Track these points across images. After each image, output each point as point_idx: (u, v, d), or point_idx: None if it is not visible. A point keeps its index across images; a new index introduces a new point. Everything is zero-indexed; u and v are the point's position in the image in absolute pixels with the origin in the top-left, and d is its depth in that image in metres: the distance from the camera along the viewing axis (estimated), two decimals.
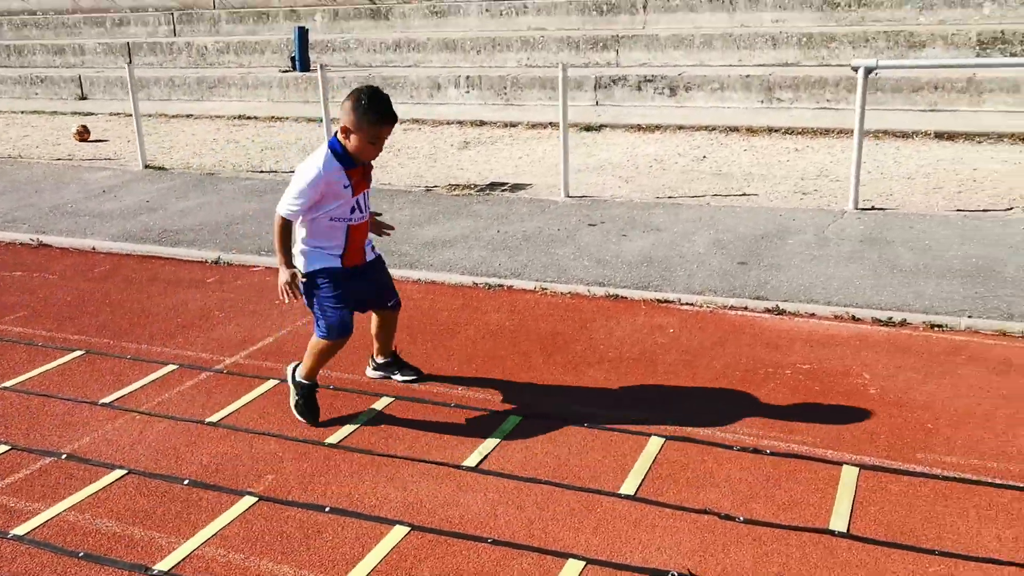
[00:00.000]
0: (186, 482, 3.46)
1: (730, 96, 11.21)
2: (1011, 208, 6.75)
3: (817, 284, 5.28)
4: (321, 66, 9.08)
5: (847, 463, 3.43)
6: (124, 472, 3.54)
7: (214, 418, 3.97)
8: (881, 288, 5.16)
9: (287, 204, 3.59)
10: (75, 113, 13.16)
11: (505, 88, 12.21)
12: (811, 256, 5.76)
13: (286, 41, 14.36)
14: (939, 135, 9.44)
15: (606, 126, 10.78)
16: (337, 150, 3.58)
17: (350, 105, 3.51)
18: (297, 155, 9.42)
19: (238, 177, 8.74)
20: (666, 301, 5.18)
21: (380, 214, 4.11)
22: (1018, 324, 4.61)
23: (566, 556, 2.93)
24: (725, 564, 2.88)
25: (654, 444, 3.62)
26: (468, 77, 12.42)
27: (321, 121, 9.56)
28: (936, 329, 4.68)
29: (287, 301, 3.67)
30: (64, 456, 3.67)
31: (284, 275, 3.63)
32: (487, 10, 14.38)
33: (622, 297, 5.27)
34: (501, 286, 5.54)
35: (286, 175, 8.87)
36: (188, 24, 16.32)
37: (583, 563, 2.90)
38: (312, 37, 14.67)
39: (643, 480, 3.37)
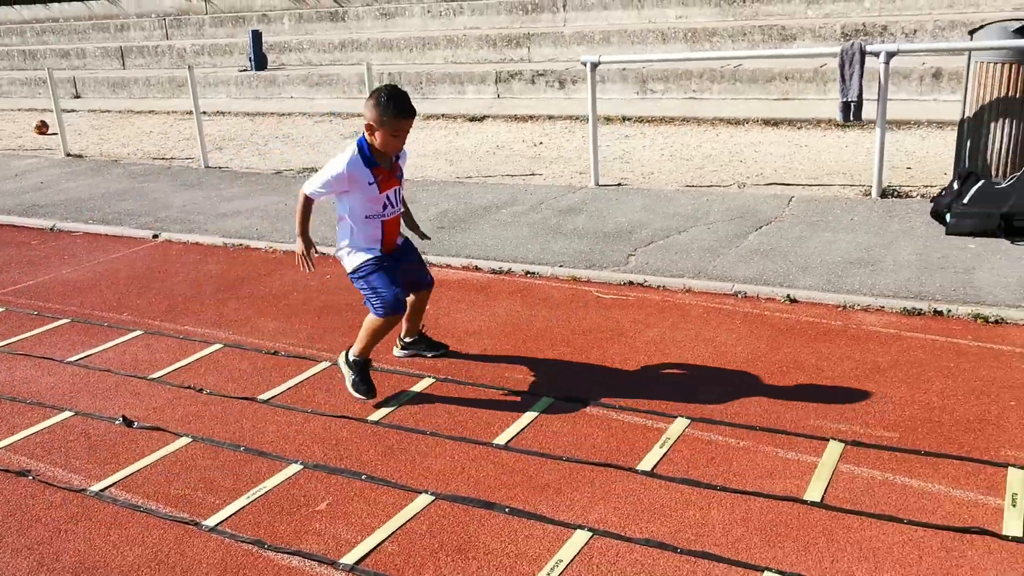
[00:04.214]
0: None
1: (610, 88, 12.22)
2: (743, 184, 7.69)
3: (479, 243, 6.43)
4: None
5: (290, 354, 4.66)
6: None
7: None
8: (524, 246, 6.29)
9: (312, 185, 3.93)
10: (64, 111, 14.99)
11: (421, 83, 13.49)
12: (504, 223, 6.91)
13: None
14: (766, 122, 10.36)
15: (489, 116, 11.98)
16: (364, 149, 3.86)
17: (372, 103, 3.77)
18: (213, 144, 10.87)
19: (134, 164, 10.28)
20: None
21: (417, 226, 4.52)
22: (587, 272, 5.70)
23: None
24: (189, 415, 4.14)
25: (211, 348, 4.90)
26: (390, 73, 13.74)
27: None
28: (528, 275, 5.81)
29: (305, 270, 4.07)
30: None
31: (299, 246, 4.02)
32: (428, 11, 15.68)
33: (323, 254, 6.52)
34: (241, 245, 6.87)
35: (171, 160, 10.35)
36: (178, 28, 18.09)
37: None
38: (278, 38, 16.26)
39: (181, 368, 4.66)
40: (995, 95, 6.37)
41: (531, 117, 11.67)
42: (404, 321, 4.45)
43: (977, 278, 5.11)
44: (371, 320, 4.06)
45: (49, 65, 18.19)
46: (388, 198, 3.96)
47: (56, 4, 20.13)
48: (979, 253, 5.50)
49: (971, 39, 6.57)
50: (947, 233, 5.90)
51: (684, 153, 9.12)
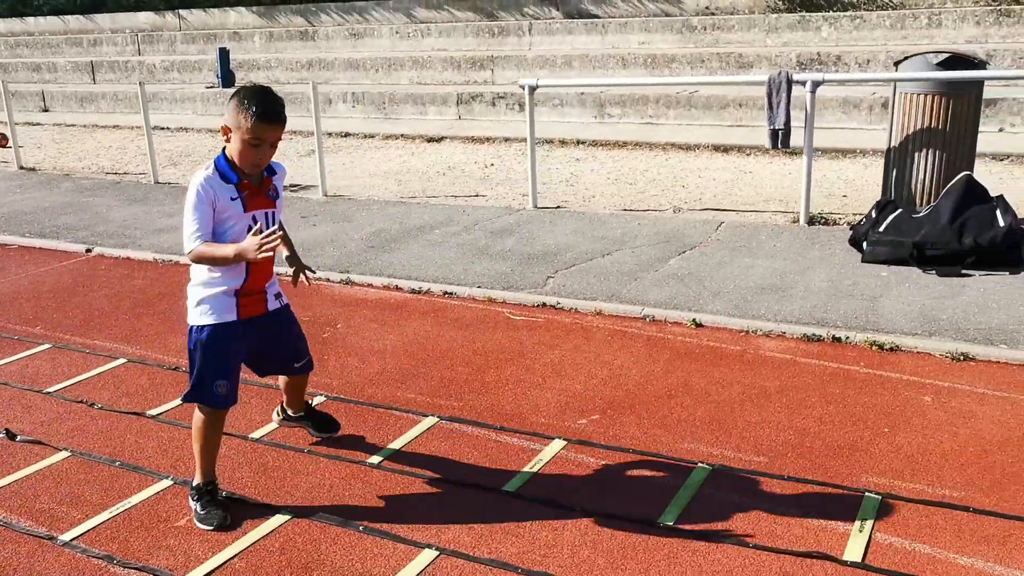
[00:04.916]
0: None
1: (568, 112, 12.32)
2: (679, 209, 7.74)
3: (404, 263, 6.45)
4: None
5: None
6: None
7: None
8: (448, 267, 6.31)
9: (190, 239, 3.14)
10: (30, 124, 15.03)
11: (384, 103, 13.56)
12: (434, 243, 6.93)
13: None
14: (716, 148, 10.44)
15: (447, 137, 12.03)
16: (219, 162, 3.21)
17: (234, 102, 3.14)
18: (169, 159, 10.89)
19: (85, 178, 10.29)
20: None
21: (304, 265, 3.69)
22: (503, 293, 5.72)
23: None
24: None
25: (114, 363, 4.90)
26: (353, 93, 13.81)
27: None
28: (446, 296, 5.83)
29: (274, 247, 3.03)
30: None
31: (251, 249, 3.04)
32: (397, 32, 15.78)
33: None
34: (171, 261, 6.88)
35: (122, 175, 10.37)
36: (150, 44, 18.15)
37: None
38: (248, 56, 16.33)
39: (79, 382, 4.65)
40: (918, 126, 6.45)
41: (488, 139, 11.73)
42: (283, 393, 3.87)
43: (881, 305, 5.16)
44: (195, 420, 3.36)
45: (20, 78, 18.25)
46: (255, 220, 3.24)
47: (32, 18, 20.18)
48: (889, 281, 5.56)
49: (896, 70, 6.66)
50: (863, 261, 5.95)
51: (630, 177, 9.18)
